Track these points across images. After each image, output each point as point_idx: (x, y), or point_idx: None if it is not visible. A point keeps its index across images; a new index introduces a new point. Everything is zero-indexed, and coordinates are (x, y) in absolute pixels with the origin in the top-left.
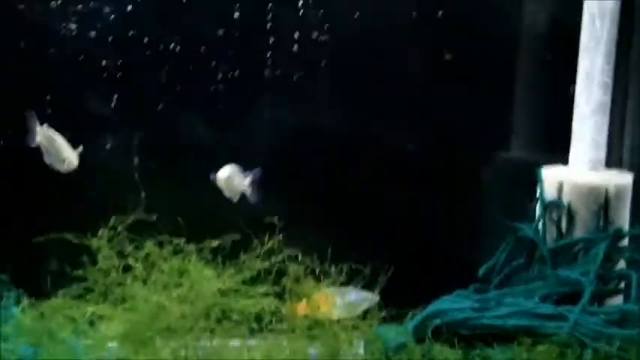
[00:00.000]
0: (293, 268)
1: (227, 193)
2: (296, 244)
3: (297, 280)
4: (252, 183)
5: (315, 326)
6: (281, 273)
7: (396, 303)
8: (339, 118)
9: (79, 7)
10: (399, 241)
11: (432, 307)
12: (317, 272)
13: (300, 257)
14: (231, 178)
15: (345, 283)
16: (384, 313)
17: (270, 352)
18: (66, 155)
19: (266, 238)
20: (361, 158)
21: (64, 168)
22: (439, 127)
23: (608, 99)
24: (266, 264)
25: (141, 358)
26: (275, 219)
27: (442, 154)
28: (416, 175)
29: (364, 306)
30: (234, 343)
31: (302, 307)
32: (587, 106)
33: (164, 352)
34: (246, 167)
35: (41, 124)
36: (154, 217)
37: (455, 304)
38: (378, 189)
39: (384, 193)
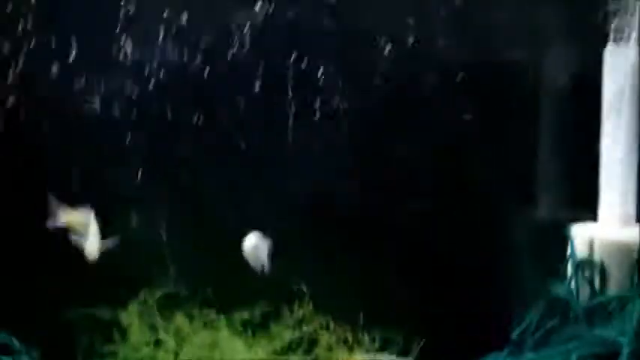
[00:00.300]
0: (325, 337)
1: (253, 263)
2: (326, 311)
3: (329, 348)
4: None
5: None
6: (313, 342)
7: None
8: (362, 181)
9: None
10: (429, 305)
11: None
12: (349, 340)
13: (331, 325)
14: (257, 248)
15: (379, 350)
16: None
17: None
18: (88, 248)
19: (295, 307)
20: (387, 221)
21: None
22: (464, 187)
23: (635, 153)
24: (297, 333)
25: None
26: (303, 287)
27: (469, 215)
28: (443, 236)
29: None
30: None
31: None
32: (614, 161)
33: None
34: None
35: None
36: (183, 291)
37: None
38: (406, 253)
39: (411, 256)
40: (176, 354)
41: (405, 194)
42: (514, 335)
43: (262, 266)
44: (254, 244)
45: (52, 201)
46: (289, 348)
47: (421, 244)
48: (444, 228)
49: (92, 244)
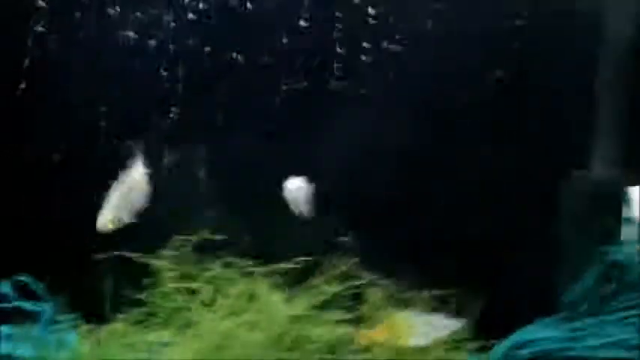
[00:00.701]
0: (371, 294)
1: (295, 207)
2: (372, 266)
3: (376, 306)
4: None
5: (397, 357)
6: (358, 298)
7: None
8: (416, 132)
9: None
10: (479, 264)
11: (517, 337)
12: (397, 298)
13: (377, 281)
14: (300, 190)
15: (432, 311)
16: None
17: None
18: (102, 215)
19: (339, 260)
20: (442, 175)
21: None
22: (519, 144)
23: None
24: (340, 288)
25: None
26: (349, 239)
27: (522, 178)
28: (497, 197)
29: (446, 332)
30: None
31: (377, 334)
32: None
33: None
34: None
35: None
36: (220, 238)
37: (542, 334)
38: (460, 208)
39: (464, 212)
40: (210, 304)
41: (457, 153)
42: (567, 300)
43: (303, 211)
44: (297, 187)
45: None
46: (331, 303)
47: (474, 205)
48: (497, 189)
49: (104, 216)
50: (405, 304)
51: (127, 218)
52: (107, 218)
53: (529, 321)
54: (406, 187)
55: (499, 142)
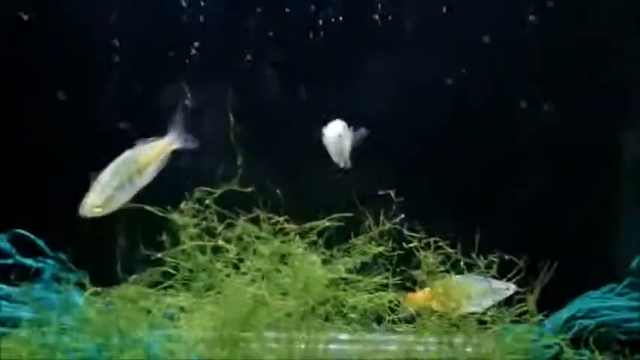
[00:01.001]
0: (422, 257)
1: (335, 156)
2: (421, 224)
3: (424, 269)
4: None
5: (450, 325)
6: (404, 260)
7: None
8: (468, 74)
9: None
10: (547, 234)
11: (578, 306)
12: (451, 261)
13: (425, 241)
14: (341, 138)
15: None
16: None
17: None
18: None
19: (382, 217)
20: (502, 125)
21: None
22: (579, 97)
23: None
24: (384, 248)
25: None
26: (393, 193)
27: (586, 144)
28: (560, 150)
29: (497, 298)
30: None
31: (422, 298)
32: None
33: (263, 357)
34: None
35: None
36: (250, 190)
37: (606, 303)
38: (519, 163)
39: (523, 167)
40: (237, 266)
41: (515, 100)
42: (633, 266)
43: (343, 161)
44: (337, 133)
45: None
46: (374, 266)
47: (534, 161)
48: (561, 147)
49: (92, 198)
50: (458, 267)
51: (120, 199)
52: (94, 201)
53: (592, 289)
54: (460, 135)
55: (559, 88)
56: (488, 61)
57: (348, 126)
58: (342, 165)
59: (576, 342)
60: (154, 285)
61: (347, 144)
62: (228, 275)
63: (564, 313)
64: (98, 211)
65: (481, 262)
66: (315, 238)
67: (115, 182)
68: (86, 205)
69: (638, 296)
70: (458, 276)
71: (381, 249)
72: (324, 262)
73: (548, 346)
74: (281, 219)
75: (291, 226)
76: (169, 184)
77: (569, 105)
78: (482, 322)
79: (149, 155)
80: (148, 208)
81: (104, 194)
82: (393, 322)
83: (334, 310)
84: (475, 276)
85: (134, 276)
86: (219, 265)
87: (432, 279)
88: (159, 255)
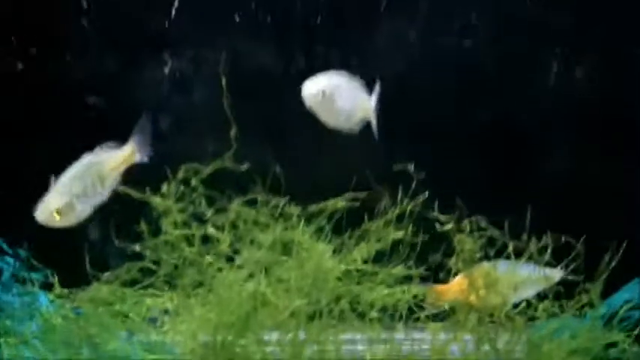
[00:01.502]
0: (455, 238)
1: (329, 119)
2: (447, 205)
3: (459, 257)
4: (377, 106)
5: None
6: (431, 247)
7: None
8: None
9: None
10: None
11: (626, 294)
12: (487, 246)
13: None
14: (341, 91)
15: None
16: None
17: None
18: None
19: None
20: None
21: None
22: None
23: None
24: (402, 234)
25: None
26: (412, 168)
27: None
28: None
29: (540, 286)
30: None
31: (455, 289)
32: None
33: None
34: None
35: None
36: (244, 168)
37: None
38: (551, 138)
39: (555, 143)
40: (231, 258)
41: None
42: None
43: (341, 124)
44: (318, 90)
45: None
46: (394, 255)
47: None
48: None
49: (48, 204)
50: (496, 254)
51: (80, 210)
52: (52, 206)
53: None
54: (487, 104)
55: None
56: None
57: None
58: (345, 129)
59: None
60: (131, 284)
61: (352, 102)
62: (220, 270)
63: (612, 302)
64: (56, 219)
65: (533, 247)
66: (322, 223)
67: (76, 188)
68: (43, 209)
69: None
70: (496, 262)
71: (403, 234)
72: (334, 251)
73: (612, 344)
74: (282, 201)
75: (294, 210)
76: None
77: None
78: (532, 319)
79: (113, 162)
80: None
81: (64, 199)
82: (418, 319)
83: (349, 308)
84: (518, 262)
85: (107, 274)
86: (209, 258)
87: (469, 267)
88: (136, 248)
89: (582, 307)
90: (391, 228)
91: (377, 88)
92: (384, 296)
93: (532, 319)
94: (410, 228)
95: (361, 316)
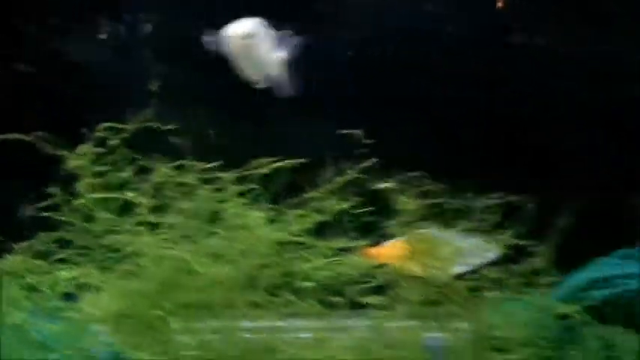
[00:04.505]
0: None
1: (246, 67)
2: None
3: (400, 222)
4: (291, 58)
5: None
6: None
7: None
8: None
9: None
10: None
11: (587, 274)
12: (433, 211)
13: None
14: (255, 39)
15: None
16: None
17: (359, 343)
18: None
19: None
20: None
21: None
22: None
23: None
24: (345, 204)
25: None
26: (359, 135)
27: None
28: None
29: (482, 260)
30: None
31: (389, 253)
32: None
33: (185, 342)
34: None
35: None
36: (169, 128)
37: (622, 269)
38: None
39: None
40: (155, 226)
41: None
42: None
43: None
44: (247, 33)
45: None
46: (335, 225)
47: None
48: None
49: None
50: (442, 220)
51: None
52: None
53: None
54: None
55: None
56: None
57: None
58: (258, 83)
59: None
60: (45, 255)
61: (266, 52)
62: (141, 237)
63: (571, 283)
64: None
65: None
66: (258, 190)
67: None
68: None
69: None
70: (441, 230)
71: (346, 204)
72: (271, 221)
73: (564, 317)
74: (213, 165)
75: (226, 175)
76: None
77: None
78: (474, 290)
79: None
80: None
81: None
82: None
83: (282, 281)
84: (456, 231)
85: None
86: (129, 226)
87: (408, 231)
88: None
89: (532, 273)
90: (333, 199)
91: (291, 43)
92: (318, 268)
93: (476, 289)
94: (354, 198)
95: (295, 289)
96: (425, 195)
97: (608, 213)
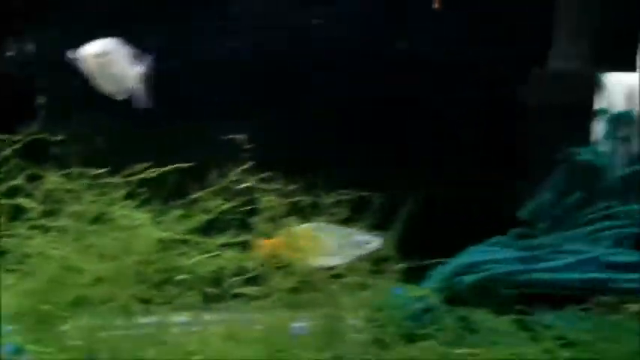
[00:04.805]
0: (267, 203)
1: (104, 83)
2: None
3: (268, 218)
4: (146, 75)
5: (302, 288)
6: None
7: (411, 253)
8: None
9: None
10: (415, 171)
11: (463, 259)
12: (301, 207)
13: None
14: (109, 57)
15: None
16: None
17: (232, 331)
18: None
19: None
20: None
21: None
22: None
23: None
24: (228, 205)
25: (35, 346)
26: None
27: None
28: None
29: (362, 251)
30: (182, 319)
31: (264, 248)
32: None
33: (72, 335)
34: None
35: None
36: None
37: (493, 255)
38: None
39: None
40: (46, 228)
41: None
42: (524, 214)
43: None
44: (101, 52)
45: None
46: (218, 224)
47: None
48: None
49: None
50: (311, 214)
51: None
52: None
53: (476, 241)
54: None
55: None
56: None
57: None
58: (116, 96)
59: (458, 298)
60: None
61: (121, 69)
62: (32, 240)
63: (445, 269)
64: None
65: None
66: (145, 193)
67: None
68: None
69: (527, 246)
70: (314, 224)
71: (229, 204)
72: (158, 222)
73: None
74: (101, 171)
75: (114, 180)
76: None
77: None
78: (337, 276)
79: None
80: None
81: None
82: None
83: (163, 276)
84: (333, 225)
85: None
86: (22, 230)
87: (275, 227)
88: None
89: (379, 261)
90: (218, 199)
91: (147, 59)
92: (204, 263)
93: (337, 276)
94: (237, 198)
95: (176, 283)
96: (284, 193)
97: (470, 205)
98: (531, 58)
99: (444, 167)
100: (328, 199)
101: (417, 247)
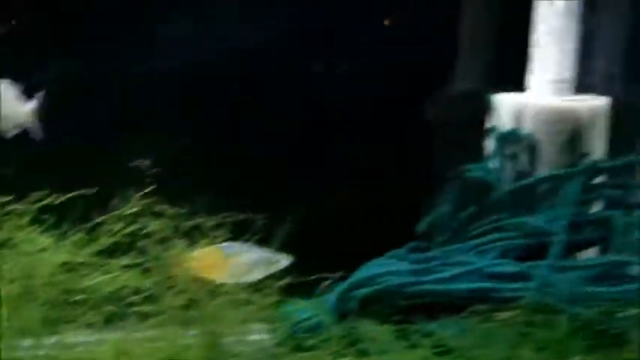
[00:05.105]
0: (159, 227)
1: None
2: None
3: (162, 242)
4: (38, 110)
5: (196, 305)
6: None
7: (304, 268)
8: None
9: None
10: (306, 188)
11: (359, 274)
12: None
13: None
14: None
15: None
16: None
17: (125, 347)
18: None
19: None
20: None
21: None
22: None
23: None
24: (130, 228)
25: None
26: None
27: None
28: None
29: (265, 271)
30: (81, 338)
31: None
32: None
33: None
34: None
35: None
36: None
37: (387, 268)
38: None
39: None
40: None
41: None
42: (419, 229)
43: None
44: None
45: None
46: (122, 247)
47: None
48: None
49: None
50: (199, 234)
51: None
52: None
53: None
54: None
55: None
56: None
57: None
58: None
59: (353, 311)
60: None
61: (12, 108)
62: None
63: (343, 285)
64: None
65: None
66: (51, 219)
67: None
68: None
69: (420, 259)
70: (227, 244)
71: (132, 228)
72: (58, 245)
73: (308, 319)
74: (8, 198)
75: (18, 206)
76: None
77: None
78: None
79: None
80: None
81: None
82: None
83: (62, 297)
84: (240, 244)
85: None
86: None
87: (164, 249)
88: None
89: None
90: (122, 223)
91: (38, 96)
92: (103, 283)
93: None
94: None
95: (76, 304)
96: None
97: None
98: (434, 78)
99: (346, 183)
100: (209, 222)
101: (316, 263)
